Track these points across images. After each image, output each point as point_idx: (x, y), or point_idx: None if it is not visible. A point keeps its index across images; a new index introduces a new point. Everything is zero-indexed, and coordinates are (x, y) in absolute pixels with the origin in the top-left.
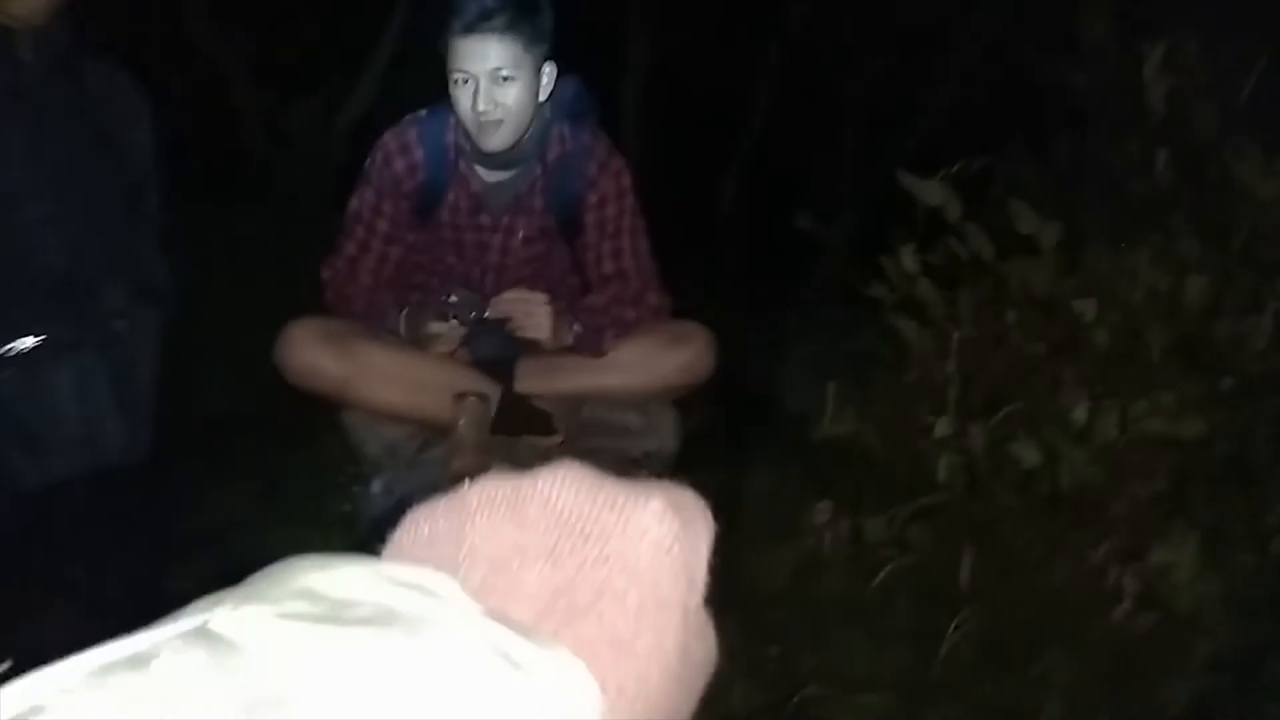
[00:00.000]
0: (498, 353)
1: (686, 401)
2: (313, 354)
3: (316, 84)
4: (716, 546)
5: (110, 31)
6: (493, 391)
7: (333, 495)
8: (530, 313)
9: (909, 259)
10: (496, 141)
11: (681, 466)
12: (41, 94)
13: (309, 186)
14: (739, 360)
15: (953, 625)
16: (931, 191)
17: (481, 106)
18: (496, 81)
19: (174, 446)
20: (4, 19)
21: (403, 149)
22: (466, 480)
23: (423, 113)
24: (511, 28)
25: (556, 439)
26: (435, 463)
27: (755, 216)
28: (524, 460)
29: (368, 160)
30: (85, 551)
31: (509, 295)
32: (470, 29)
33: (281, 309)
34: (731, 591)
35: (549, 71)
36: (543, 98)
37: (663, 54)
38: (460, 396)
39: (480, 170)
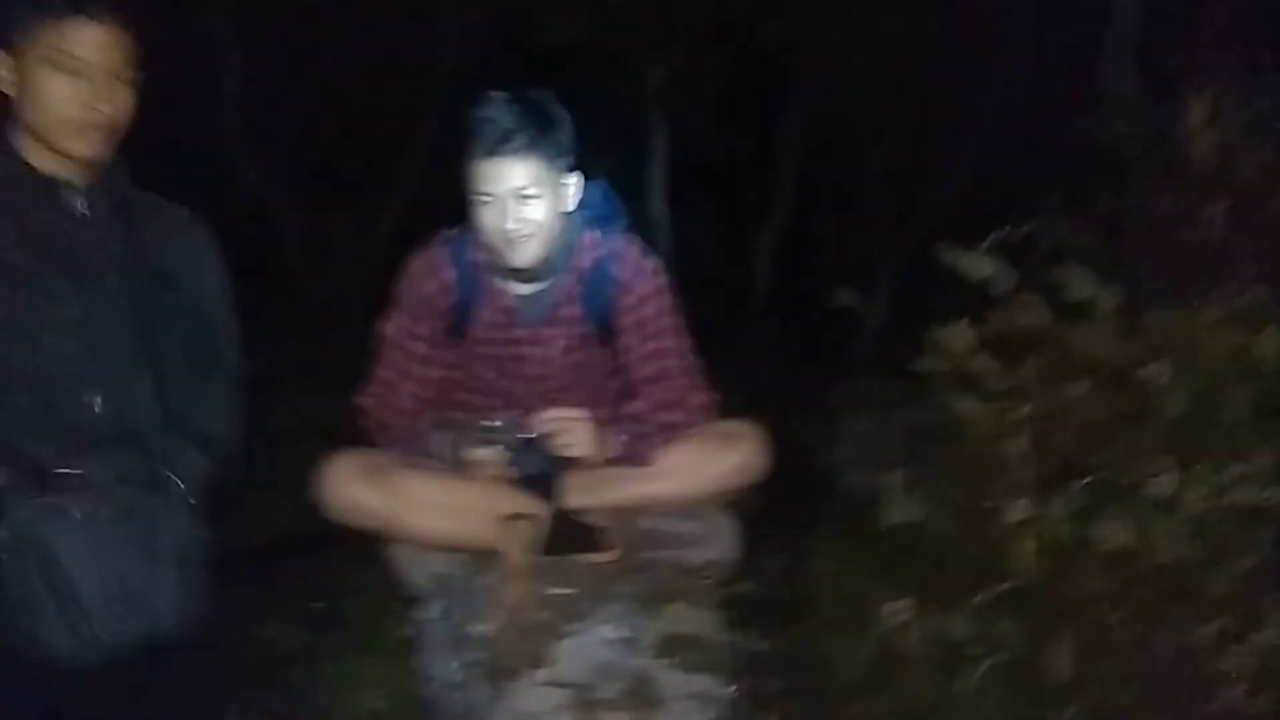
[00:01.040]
0: (543, 468)
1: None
2: (354, 490)
3: (352, 203)
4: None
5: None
6: (541, 510)
7: (394, 619)
8: (571, 430)
9: (961, 333)
10: (526, 257)
11: (743, 556)
12: (96, 245)
13: (349, 302)
14: (793, 444)
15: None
16: (978, 264)
17: (509, 225)
18: (521, 200)
19: (226, 575)
20: (58, 167)
21: (432, 270)
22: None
23: (451, 231)
24: (532, 147)
25: (611, 555)
26: (486, 589)
27: (793, 297)
28: (574, 580)
29: (398, 281)
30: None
31: (548, 415)
32: (491, 152)
33: (329, 427)
34: (805, 684)
35: (573, 182)
36: (569, 208)
37: (685, 145)
38: (507, 520)
39: (512, 284)
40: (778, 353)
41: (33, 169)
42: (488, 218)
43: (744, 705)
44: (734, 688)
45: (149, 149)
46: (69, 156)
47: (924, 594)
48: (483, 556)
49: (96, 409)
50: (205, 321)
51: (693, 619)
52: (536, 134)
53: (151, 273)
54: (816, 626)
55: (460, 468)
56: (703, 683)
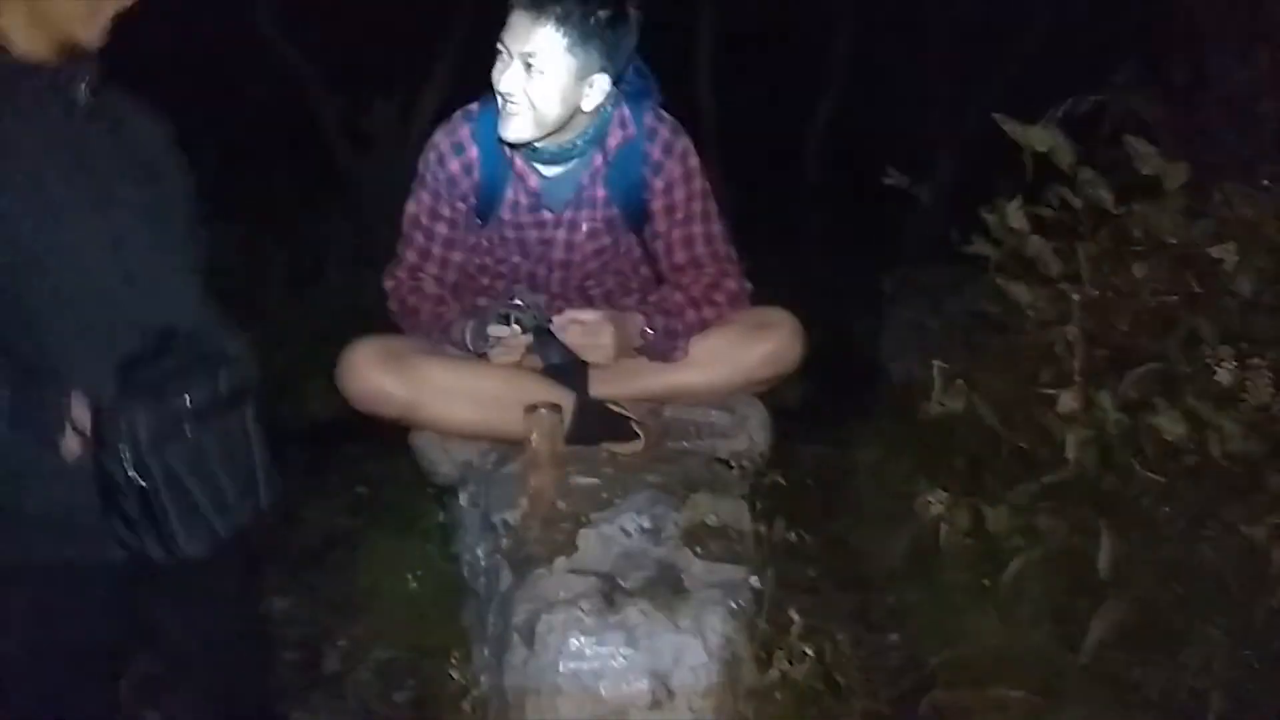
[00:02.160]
0: (568, 356)
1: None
2: (377, 378)
3: (392, 86)
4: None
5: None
6: (566, 400)
7: (428, 504)
8: (589, 334)
9: (1015, 213)
10: (512, 132)
11: (780, 446)
12: (89, 135)
13: (390, 189)
14: (835, 330)
15: (1096, 613)
16: (1038, 137)
17: (502, 86)
18: (525, 67)
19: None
20: (51, 54)
21: (456, 147)
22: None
23: (473, 107)
24: (562, 19)
25: (638, 445)
26: (510, 478)
27: (841, 177)
28: (601, 470)
29: (420, 161)
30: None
31: (567, 316)
32: (521, 4)
33: (369, 312)
34: (845, 573)
35: (599, 84)
36: (585, 108)
37: (732, 17)
38: (532, 409)
39: (537, 165)
40: (827, 238)
41: (26, 59)
42: (495, 72)
43: (773, 594)
44: (756, 577)
45: (188, 34)
46: (70, 42)
47: (966, 486)
48: (508, 445)
49: (146, 324)
50: (186, 221)
51: (719, 508)
52: (573, 11)
53: (139, 165)
54: (853, 518)
55: (482, 354)
56: (729, 572)
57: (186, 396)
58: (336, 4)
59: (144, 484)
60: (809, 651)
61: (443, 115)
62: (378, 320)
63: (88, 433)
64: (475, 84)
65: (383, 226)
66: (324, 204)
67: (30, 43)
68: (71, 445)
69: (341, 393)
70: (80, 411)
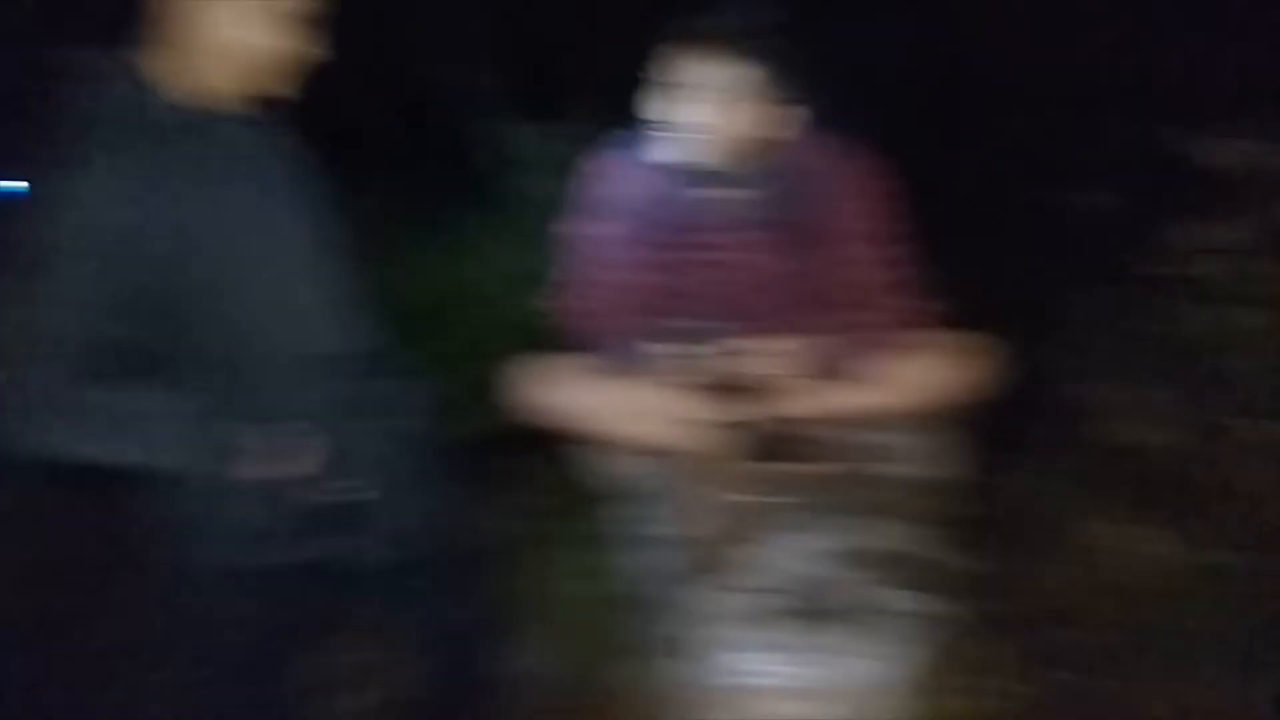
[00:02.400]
0: (743, 377)
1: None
2: (550, 394)
3: (548, 109)
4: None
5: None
6: (740, 417)
7: (597, 515)
8: (770, 357)
9: (1198, 234)
10: (689, 159)
11: (965, 473)
12: (271, 175)
13: (543, 209)
14: (1021, 354)
15: None
16: (1225, 151)
17: (680, 117)
18: (705, 98)
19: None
20: (247, 100)
21: (628, 170)
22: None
23: (647, 130)
24: (744, 49)
25: (814, 466)
26: (682, 492)
27: (1014, 196)
28: (781, 490)
29: (592, 184)
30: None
31: (752, 347)
32: (700, 40)
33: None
34: (1028, 606)
35: (779, 110)
36: (765, 134)
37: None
38: (706, 425)
39: (710, 187)
40: (1000, 258)
41: (207, 108)
42: (672, 103)
43: (953, 625)
44: (943, 607)
45: (351, 59)
46: (246, 94)
47: (1146, 517)
48: (679, 461)
49: (333, 342)
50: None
51: (900, 535)
52: (755, 41)
53: (302, 192)
54: (1037, 549)
55: (656, 373)
56: (908, 600)
57: (376, 413)
58: (491, 30)
59: (340, 497)
60: (988, 686)
61: (595, 138)
62: (541, 337)
63: (286, 452)
64: (628, 108)
65: (538, 246)
66: (487, 224)
67: (208, 92)
68: (262, 464)
69: (516, 406)
70: (278, 433)
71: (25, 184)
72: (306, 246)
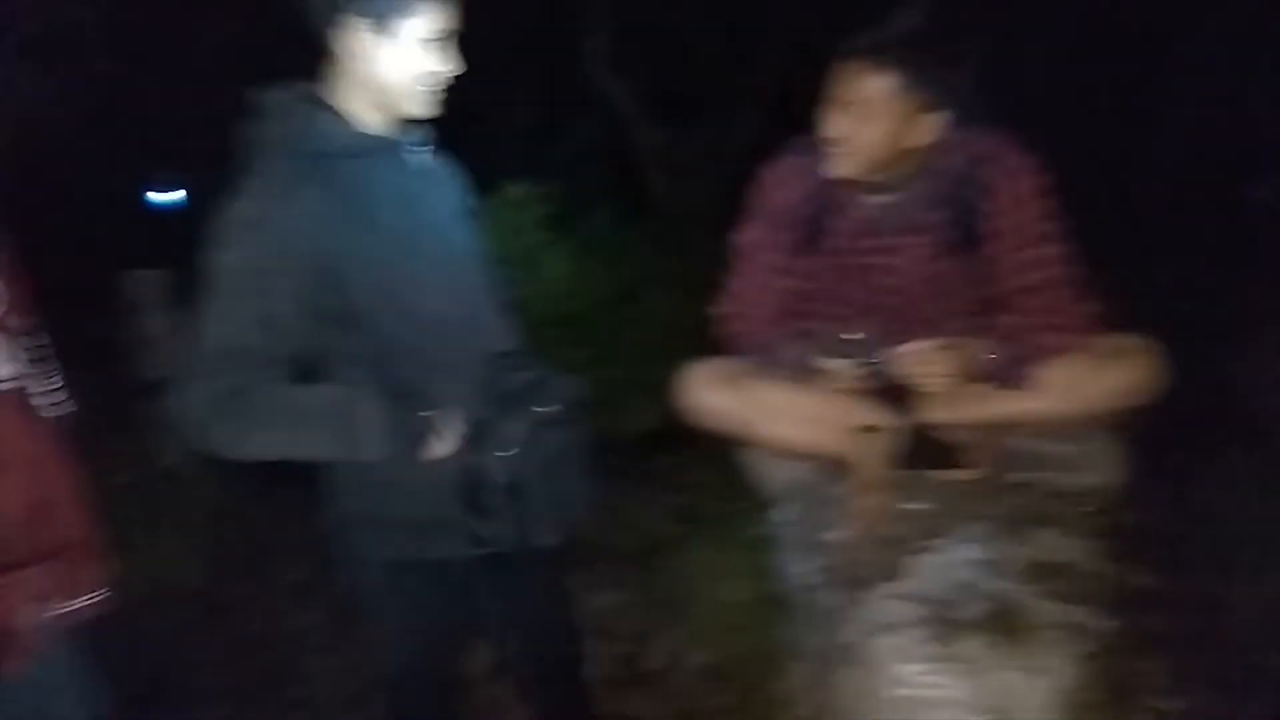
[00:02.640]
0: (900, 382)
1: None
2: (714, 396)
3: (704, 119)
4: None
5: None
6: (897, 424)
7: (751, 516)
8: (927, 363)
9: None
10: (839, 170)
11: (1132, 483)
12: (426, 189)
13: (700, 215)
14: (1193, 358)
15: None
16: None
17: (832, 131)
18: (852, 109)
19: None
20: (387, 126)
21: (788, 179)
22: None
23: (804, 140)
24: (896, 64)
25: (972, 474)
26: (839, 498)
27: (1199, 190)
28: (935, 497)
29: (753, 192)
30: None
31: (906, 350)
32: (851, 51)
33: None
34: (1200, 625)
35: (932, 120)
36: (918, 142)
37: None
38: (862, 430)
39: (867, 195)
40: (1179, 257)
41: (375, 134)
42: (823, 117)
43: (1123, 643)
44: (1111, 623)
45: (519, 71)
46: (402, 117)
47: None
48: (838, 465)
49: (493, 345)
50: (488, 253)
51: (1065, 546)
52: (904, 53)
53: (461, 209)
54: (1209, 565)
55: (814, 377)
56: (1074, 614)
57: (537, 407)
58: (656, 45)
59: (508, 482)
60: (1158, 706)
61: (752, 147)
62: (694, 339)
63: (458, 441)
64: (784, 119)
65: (694, 250)
66: (642, 229)
67: (373, 118)
68: (436, 452)
69: (680, 408)
70: (451, 422)
71: (183, 194)
72: (470, 256)
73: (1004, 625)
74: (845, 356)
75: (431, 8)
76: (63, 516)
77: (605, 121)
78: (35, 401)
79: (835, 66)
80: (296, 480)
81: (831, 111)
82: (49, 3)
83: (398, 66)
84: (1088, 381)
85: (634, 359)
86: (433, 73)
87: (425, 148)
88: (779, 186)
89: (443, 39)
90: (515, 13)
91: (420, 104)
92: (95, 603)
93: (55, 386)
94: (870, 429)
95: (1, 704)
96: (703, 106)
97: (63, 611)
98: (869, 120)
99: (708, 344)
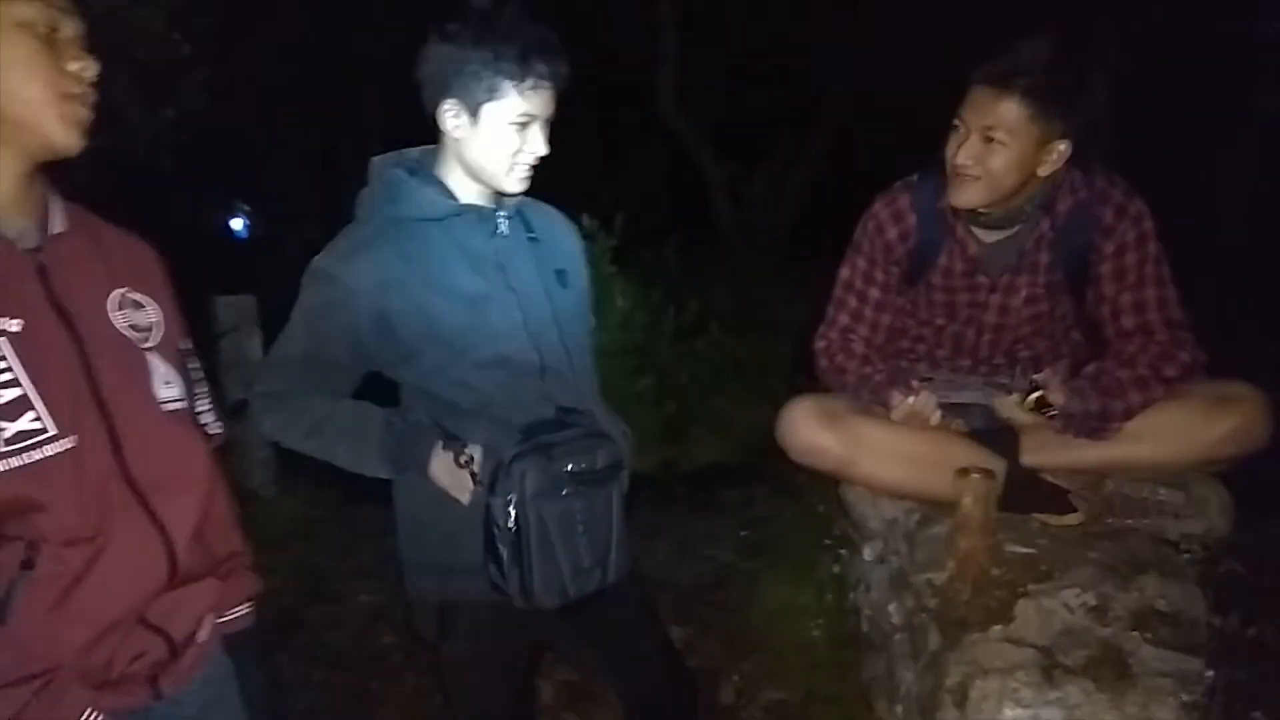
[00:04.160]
0: (994, 422)
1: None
2: (814, 434)
3: (772, 152)
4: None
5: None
6: (998, 466)
7: (821, 554)
8: (1036, 409)
9: None
10: (963, 198)
11: (1240, 532)
12: (518, 258)
13: (767, 249)
14: None
15: None
16: None
17: (959, 159)
18: (984, 138)
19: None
20: (479, 197)
21: (895, 216)
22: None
23: (914, 177)
24: (1027, 93)
25: (1075, 518)
26: (938, 538)
27: None
28: (1038, 541)
29: (858, 229)
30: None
31: (1011, 391)
32: (983, 77)
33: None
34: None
35: (1059, 150)
36: (1043, 172)
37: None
38: (964, 472)
39: (977, 231)
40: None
41: (463, 203)
42: (950, 146)
43: (1226, 692)
44: (1214, 672)
45: (586, 105)
46: (496, 191)
47: None
48: (936, 505)
49: (553, 402)
50: (586, 316)
51: (1170, 593)
52: (1039, 83)
53: (554, 273)
54: None
55: (917, 415)
56: (1180, 661)
57: (569, 463)
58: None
59: (518, 530)
60: None
61: (815, 182)
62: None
63: (473, 481)
64: (848, 157)
65: (758, 285)
66: (707, 263)
67: (468, 189)
68: (445, 483)
69: (780, 445)
70: (480, 462)
71: (243, 224)
72: (550, 317)
73: (1108, 672)
74: (953, 394)
75: (521, 94)
76: (223, 531)
77: (672, 156)
78: (199, 421)
79: (966, 93)
80: (374, 502)
81: (959, 139)
82: (154, 38)
83: (488, 147)
84: (1193, 427)
85: (699, 392)
86: (522, 154)
87: (512, 214)
88: (886, 221)
89: (533, 122)
90: (583, 47)
91: (512, 182)
92: (247, 615)
93: (210, 408)
94: (975, 470)
95: (171, 716)
96: (769, 142)
97: (223, 622)
98: (998, 147)
99: (772, 378)
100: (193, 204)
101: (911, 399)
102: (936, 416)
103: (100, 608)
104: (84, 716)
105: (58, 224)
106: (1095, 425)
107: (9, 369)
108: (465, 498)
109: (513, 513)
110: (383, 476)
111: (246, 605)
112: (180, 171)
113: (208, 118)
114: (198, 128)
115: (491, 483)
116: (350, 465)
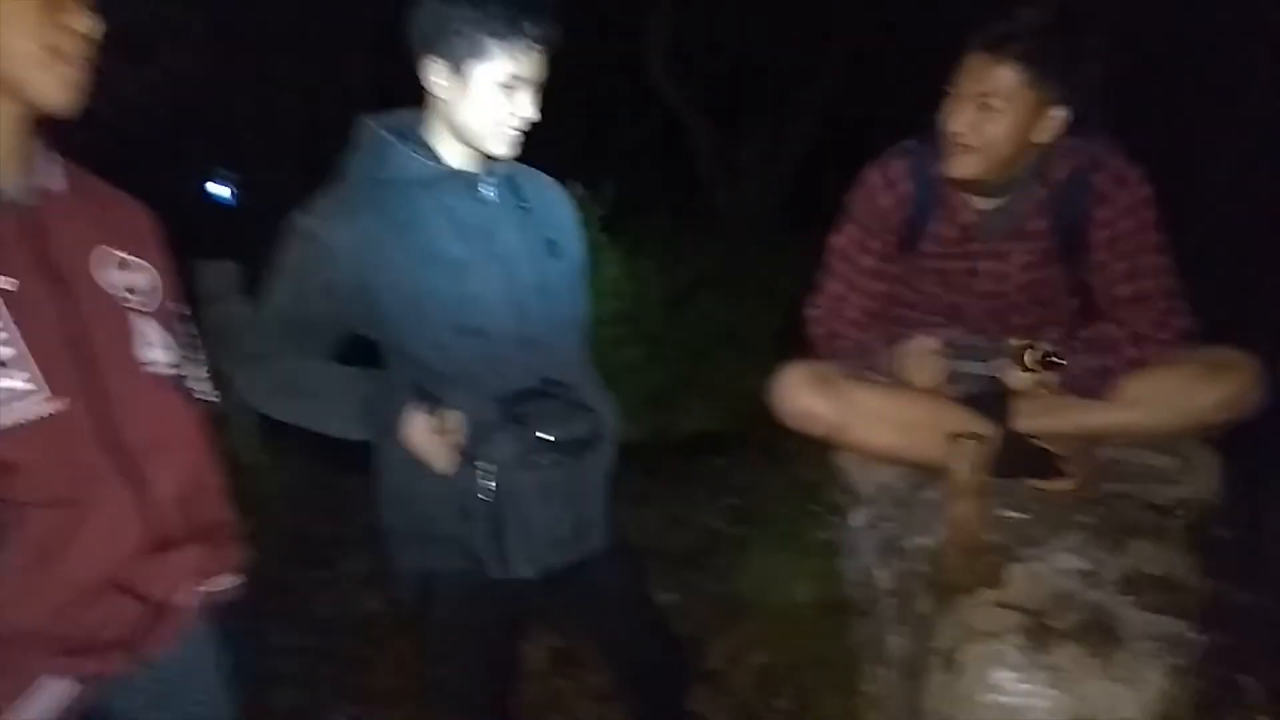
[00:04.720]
0: (987, 388)
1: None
2: (808, 399)
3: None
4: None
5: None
6: (991, 431)
7: (809, 520)
8: (1028, 375)
9: None
10: (960, 168)
11: (1229, 497)
12: (506, 226)
13: (756, 217)
14: None
15: None
16: None
17: (955, 126)
18: (980, 105)
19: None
20: (468, 162)
21: (889, 183)
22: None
23: (910, 143)
24: (1023, 59)
25: (1067, 483)
26: (930, 504)
27: None
28: (1030, 506)
29: (851, 196)
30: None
31: (1002, 357)
32: (979, 44)
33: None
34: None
35: (1055, 117)
36: (1039, 139)
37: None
38: (956, 437)
39: (973, 198)
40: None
41: (449, 166)
42: (944, 113)
43: (1214, 656)
44: (1205, 637)
45: (575, 72)
46: (484, 155)
47: None
48: (928, 471)
49: (536, 373)
50: (577, 287)
51: (1161, 558)
52: (1035, 47)
53: (544, 243)
54: None
55: (908, 382)
56: (1168, 625)
57: (548, 433)
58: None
59: (495, 499)
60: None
61: (807, 150)
62: (747, 341)
63: (450, 447)
64: (838, 123)
65: (748, 253)
66: (696, 231)
67: (456, 152)
68: (418, 446)
69: (774, 412)
70: (447, 425)
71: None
72: (537, 285)
73: (1098, 636)
74: (943, 360)
75: (509, 55)
76: (210, 499)
77: (661, 123)
78: (189, 386)
79: (961, 59)
80: (363, 470)
81: (955, 106)
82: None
83: (474, 108)
84: (1186, 394)
85: (687, 360)
86: (509, 117)
87: (501, 181)
88: (880, 188)
89: (521, 85)
90: (572, 14)
91: (498, 144)
92: (234, 584)
93: (204, 374)
94: (965, 435)
95: (149, 681)
96: (759, 109)
97: (208, 591)
98: (995, 115)
99: (761, 346)
100: (175, 168)
101: (930, 366)
102: (952, 387)
103: (79, 570)
104: (36, 684)
105: (54, 183)
106: (1096, 383)
107: (3, 329)
108: (440, 463)
109: (490, 483)
110: (357, 438)
111: (232, 574)
112: (162, 135)
113: (191, 80)
114: (182, 88)
115: (469, 452)
116: (326, 428)
